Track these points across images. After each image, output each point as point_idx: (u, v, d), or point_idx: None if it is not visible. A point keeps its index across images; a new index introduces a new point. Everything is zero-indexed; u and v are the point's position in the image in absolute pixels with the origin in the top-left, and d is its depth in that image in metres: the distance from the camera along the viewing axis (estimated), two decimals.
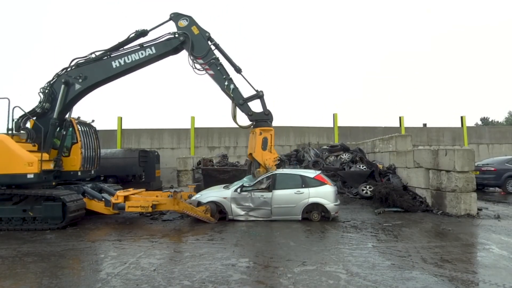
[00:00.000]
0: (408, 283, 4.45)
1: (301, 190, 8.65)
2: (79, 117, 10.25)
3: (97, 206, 9.13)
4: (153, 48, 9.01)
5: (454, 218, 8.74)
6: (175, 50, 9.16)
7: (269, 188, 8.74)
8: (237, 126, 9.41)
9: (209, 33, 9.10)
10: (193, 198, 9.18)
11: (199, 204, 8.76)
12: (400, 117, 22.11)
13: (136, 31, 9.13)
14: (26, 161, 8.31)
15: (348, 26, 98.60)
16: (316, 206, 8.61)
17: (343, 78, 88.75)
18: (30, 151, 8.57)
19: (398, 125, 21.97)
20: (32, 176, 8.32)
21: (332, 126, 21.78)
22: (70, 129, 9.84)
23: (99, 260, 5.73)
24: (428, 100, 76.99)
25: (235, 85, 9.00)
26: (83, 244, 6.86)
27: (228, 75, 9.06)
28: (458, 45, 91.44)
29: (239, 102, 8.98)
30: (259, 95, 9.06)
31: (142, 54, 8.98)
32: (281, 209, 8.62)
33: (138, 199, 9.06)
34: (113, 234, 7.66)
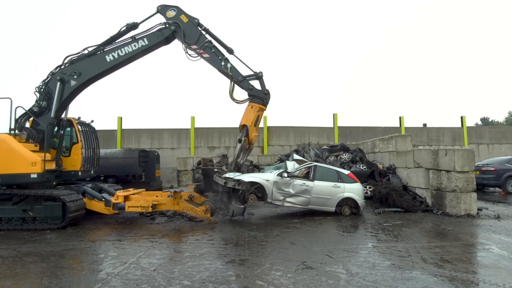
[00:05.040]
0: (408, 283, 4.44)
1: (338, 184, 9.18)
2: (79, 117, 10.26)
3: (97, 206, 9.12)
4: (145, 39, 9.07)
5: (454, 218, 8.74)
6: (167, 40, 9.22)
7: (311, 178, 9.10)
8: (235, 103, 9.32)
9: (198, 19, 9.16)
10: (233, 176, 8.89)
11: (239, 183, 8.70)
12: (400, 117, 22.11)
13: (127, 24, 9.20)
14: (30, 161, 8.32)
15: (348, 25, 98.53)
16: (347, 201, 9.16)
17: (343, 78, 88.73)
18: (32, 151, 8.57)
19: (398, 125, 21.97)
20: (35, 176, 8.34)
21: (332, 126, 21.77)
22: (69, 128, 9.84)
23: (99, 260, 5.72)
24: (428, 100, 77.04)
25: (231, 64, 9.08)
26: (83, 244, 6.86)
27: (224, 55, 9.12)
28: (458, 45, 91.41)
29: (238, 79, 9.02)
30: (258, 76, 9.12)
31: (135, 46, 9.05)
32: (319, 199, 9.05)
33: (138, 199, 9.05)
34: (113, 234, 7.66)
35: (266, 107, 9.16)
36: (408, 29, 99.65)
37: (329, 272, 4.89)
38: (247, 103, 9.14)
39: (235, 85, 9.11)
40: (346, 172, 9.74)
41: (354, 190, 9.24)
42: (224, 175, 9.06)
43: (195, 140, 20.82)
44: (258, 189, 8.94)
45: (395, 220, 8.62)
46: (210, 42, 9.10)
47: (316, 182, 9.07)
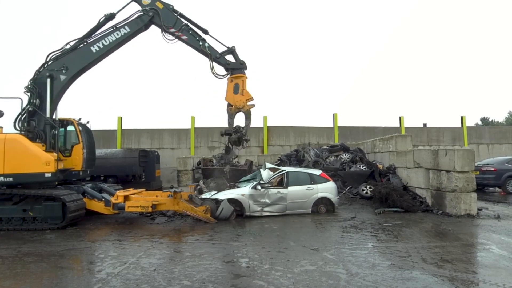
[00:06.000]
0: (408, 283, 4.45)
1: (311, 186, 9.59)
2: (80, 119, 10.30)
3: (97, 206, 9.13)
4: (126, 27, 9.56)
5: (454, 218, 8.74)
6: (145, 26, 9.75)
7: (285, 185, 9.44)
8: (216, 78, 10.03)
9: (172, 6, 9.79)
10: (209, 196, 9.32)
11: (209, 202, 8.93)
12: (400, 117, 22.11)
13: (105, 15, 9.68)
14: (44, 160, 8.48)
15: (348, 25, 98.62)
16: (322, 200, 9.60)
17: (343, 78, 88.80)
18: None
19: (398, 125, 21.96)
20: (49, 175, 8.53)
21: (332, 126, 21.77)
22: (62, 129, 9.86)
23: (99, 260, 5.72)
24: (428, 100, 77.08)
25: (208, 43, 9.86)
26: (83, 244, 6.86)
27: (200, 36, 9.86)
28: (458, 45, 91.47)
29: (216, 56, 9.80)
30: (231, 50, 9.90)
31: (117, 34, 9.52)
32: (295, 203, 9.40)
33: (138, 199, 9.05)
34: (113, 234, 7.66)
35: (245, 74, 9.95)
36: (408, 29, 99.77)
37: (329, 272, 4.89)
38: (227, 77, 9.92)
39: (214, 62, 9.89)
40: (318, 172, 10.15)
41: (328, 189, 9.68)
42: (200, 196, 9.41)
43: (195, 140, 20.82)
44: (236, 203, 9.16)
45: (395, 220, 8.62)
46: (187, 25, 9.75)
47: (290, 188, 9.41)
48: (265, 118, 21.23)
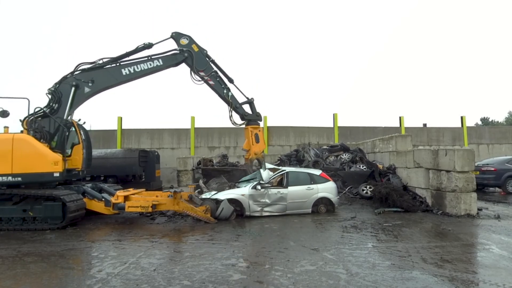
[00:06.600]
0: (408, 283, 4.44)
1: (311, 186, 9.62)
2: (79, 119, 10.33)
3: (97, 206, 9.13)
4: (160, 60, 9.93)
5: (454, 218, 8.74)
6: (177, 64, 10.20)
7: (285, 185, 9.48)
8: (233, 125, 10.91)
9: (206, 51, 10.33)
10: (209, 196, 9.41)
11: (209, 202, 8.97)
12: (400, 117, 22.11)
13: (144, 43, 10.02)
14: (52, 160, 8.57)
15: (348, 25, 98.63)
16: (322, 200, 9.63)
17: (343, 78, 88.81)
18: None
19: (398, 125, 21.96)
20: (58, 174, 8.65)
21: (332, 126, 21.77)
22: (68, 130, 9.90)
23: (99, 260, 5.72)
24: (428, 100, 77.13)
25: (232, 93, 10.50)
26: (83, 244, 6.86)
27: (226, 85, 10.44)
28: (458, 45, 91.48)
29: (236, 105, 10.46)
30: (250, 101, 10.71)
31: (150, 64, 9.86)
32: (295, 203, 9.43)
33: (138, 199, 9.05)
34: (113, 234, 7.66)
35: (259, 125, 10.88)
36: (408, 29, 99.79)
37: (329, 272, 4.89)
38: (243, 125, 10.77)
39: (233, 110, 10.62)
40: (318, 172, 10.20)
41: (328, 189, 9.72)
42: (200, 196, 9.50)
43: (195, 140, 20.82)
44: (236, 203, 9.22)
45: (395, 220, 8.62)
46: (216, 72, 10.31)
47: (290, 188, 9.45)
48: (265, 118, 21.22)
